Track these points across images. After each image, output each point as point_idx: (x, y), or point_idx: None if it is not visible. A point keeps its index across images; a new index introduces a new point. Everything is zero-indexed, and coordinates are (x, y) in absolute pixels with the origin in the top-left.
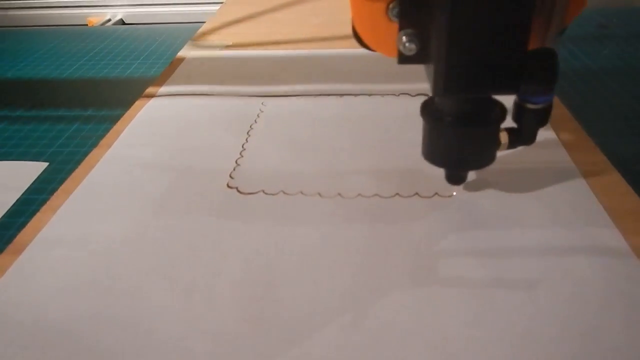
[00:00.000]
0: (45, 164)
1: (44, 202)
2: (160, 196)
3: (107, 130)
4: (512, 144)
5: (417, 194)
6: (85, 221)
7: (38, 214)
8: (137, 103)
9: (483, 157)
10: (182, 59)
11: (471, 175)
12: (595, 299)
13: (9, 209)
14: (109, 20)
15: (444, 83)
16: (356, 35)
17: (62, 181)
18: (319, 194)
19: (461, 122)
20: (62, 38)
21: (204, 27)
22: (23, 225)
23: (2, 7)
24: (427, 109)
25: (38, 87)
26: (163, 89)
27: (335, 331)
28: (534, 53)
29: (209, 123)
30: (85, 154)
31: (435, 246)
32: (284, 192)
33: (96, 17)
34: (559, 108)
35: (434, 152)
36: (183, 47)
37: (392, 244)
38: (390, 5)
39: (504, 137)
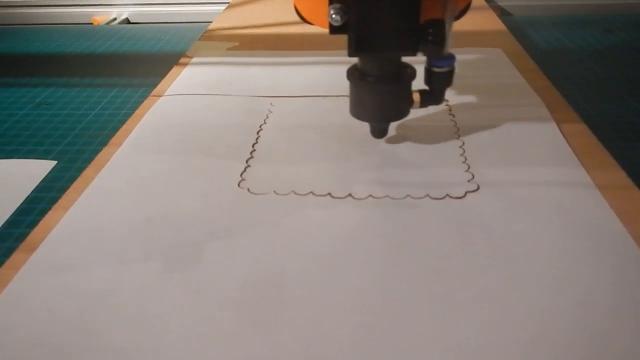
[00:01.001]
0: (54, 162)
1: (52, 200)
2: (170, 196)
3: (115, 129)
4: (423, 103)
5: (428, 195)
6: (96, 220)
7: (50, 212)
8: (145, 102)
9: (399, 110)
10: (189, 59)
11: (483, 176)
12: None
13: (18, 207)
14: (115, 19)
15: (355, 46)
16: (297, 12)
17: (70, 179)
18: (330, 195)
19: (380, 80)
20: (67, 36)
21: (210, 27)
22: (32, 223)
23: (5, 4)
24: (352, 72)
25: (43, 85)
26: (171, 88)
27: (347, 333)
28: (426, 22)
29: (218, 123)
30: (94, 152)
31: (447, 248)
32: (295, 193)
33: (101, 16)
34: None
35: (359, 109)
36: (190, 47)
37: (404, 246)
38: None
39: (416, 97)
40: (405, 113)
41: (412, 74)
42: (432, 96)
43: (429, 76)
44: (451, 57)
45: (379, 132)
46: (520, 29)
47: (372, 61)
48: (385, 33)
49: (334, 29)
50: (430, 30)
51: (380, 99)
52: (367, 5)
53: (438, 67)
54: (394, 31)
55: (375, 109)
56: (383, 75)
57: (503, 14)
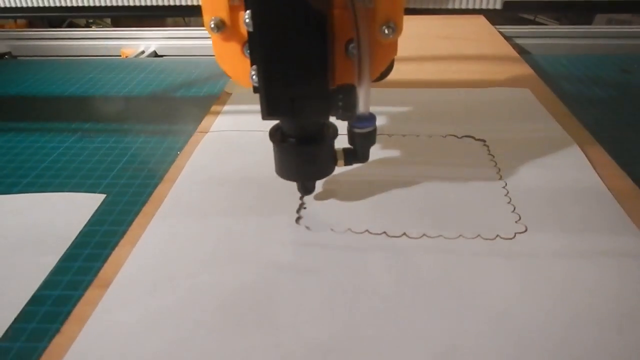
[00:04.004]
0: (103, 196)
1: (107, 233)
2: (232, 231)
3: (159, 162)
4: (347, 161)
5: (479, 235)
6: (164, 255)
7: (117, 248)
8: (192, 138)
9: (323, 168)
10: (228, 95)
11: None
12: None
13: (74, 240)
14: (143, 52)
15: (265, 109)
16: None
17: (121, 213)
18: (386, 233)
19: (302, 142)
20: (99, 69)
21: None
22: (91, 256)
23: (32, 37)
24: (275, 134)
25: (85, 119)
26: (216, 124)
27: None
28: (338, 88)
29: (267, 160)
30: (141, 186)
31: (506, 296)
32: (351, 230)
33: (130, 48)
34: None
35: (284, 169)
36: (225, 82)
37: (461, 288)
38: (245, 46)
39: (340, 155)
40: (331, 171)
41: (335, 133)
42: (356, 155)
43: (352, 137)
44: (372, 118)
45: (306, 189)
46: (540, 68)
47: (290, 122)
48: (296, 98)
49: (254, 89)
50: (341, 96)
51: (306, 159)
52: (274, 69)
53: (359, 127)
54: (304, 96)
55: (301, 169)
56: (307, 137)
57: (522, 52)
